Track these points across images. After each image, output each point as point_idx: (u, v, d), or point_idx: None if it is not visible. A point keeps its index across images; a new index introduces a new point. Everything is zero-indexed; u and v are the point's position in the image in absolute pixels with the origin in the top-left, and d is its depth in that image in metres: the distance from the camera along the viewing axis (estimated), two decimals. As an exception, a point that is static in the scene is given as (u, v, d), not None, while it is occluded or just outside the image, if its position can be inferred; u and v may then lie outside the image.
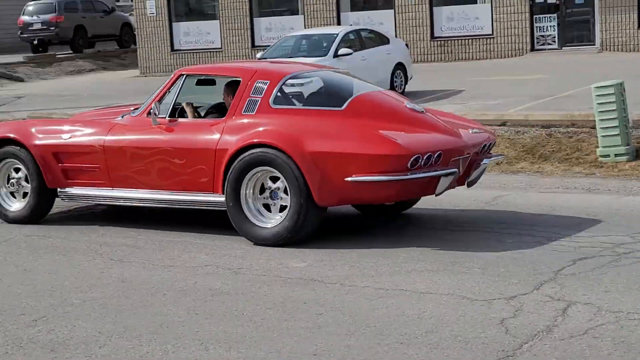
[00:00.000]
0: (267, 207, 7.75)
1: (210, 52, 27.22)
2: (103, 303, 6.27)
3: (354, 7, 26.19)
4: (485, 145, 8.19)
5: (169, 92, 8.44)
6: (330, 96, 8.48)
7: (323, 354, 5.11)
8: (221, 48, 27.07)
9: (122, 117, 8.78)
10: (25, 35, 32.85)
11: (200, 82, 8.90)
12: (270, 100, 7.90)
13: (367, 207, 8.81)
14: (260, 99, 7.90)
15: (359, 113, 7.72)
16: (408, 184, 7.37)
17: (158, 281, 6.79)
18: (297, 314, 5.86)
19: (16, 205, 9.08)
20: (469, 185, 8.24)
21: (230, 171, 7.68)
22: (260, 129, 7.68)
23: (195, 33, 27.75)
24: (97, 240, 8.21)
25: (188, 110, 8.52)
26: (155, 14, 27.68)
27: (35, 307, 6.22)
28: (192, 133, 8.12)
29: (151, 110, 8.26)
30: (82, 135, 8.74)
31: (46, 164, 8.75)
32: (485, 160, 8.16)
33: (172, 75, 8.61)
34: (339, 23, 25.08)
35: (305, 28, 24.19)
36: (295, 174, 7.41)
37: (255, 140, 7.61)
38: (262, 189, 7.73)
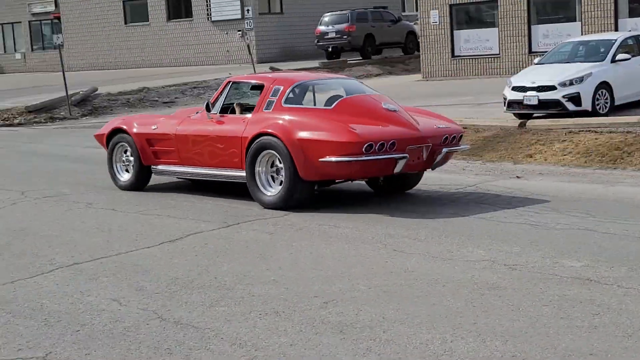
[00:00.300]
0: (274, 179, 9.71)
1: (488, 58, 26.93)
2: (387, 290, 6.40)
3: (632, 13, 24.82)
4: (447, 137, 9.70)
5: (221, 95, 10.56)
6: (327, 98, 10.22)
7: (600, 354, 4.89)
8: (499, 54, 26.68)
9: (197, 113, 10.87)
10: (321, 43, 34.31)
11: (252, 88, 10.93)
12: (282, 100, 9.89)
13: (377, 186, 10.56)
14: (275, 100, 9.91)
15: (343, 111, 9.57)
16: (366, 164, 9.12)
17: (437, 272, 6.82)
18: (572, 312, 5.66)
19: (125, 177, 11.47)
20: (433, 168, 9.91)
21: (248, 153, 9.71)
22: (270, 122, 9.64)
23: (475, 40, 27.56)
24: (382, 231, 8.37)
25: (237, 108, 10.45)
26: (438, 23, 27.79)
27: (326, 291, 6.45)
28: (229, 125, 10.21)
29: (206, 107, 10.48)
30: (163, 127, 11.00)
31: (142, 147, 11.12)
32: (444, 149, 9.64)
33: (223, 82, 10.75)
34: (616, 29, 23.88)
35: (582, 34, 23.27)
36: (287, 156, 9.33)
37: (263, 130, 9.58)
38: (272, 165, 9.66)
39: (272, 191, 9.69)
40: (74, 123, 22.58)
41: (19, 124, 22.75)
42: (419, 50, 29.96)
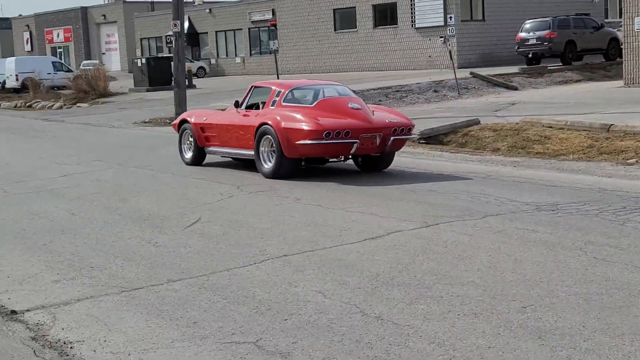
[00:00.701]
0: (272, 157, 12.43)
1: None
2: (587, 298, 6.04)
3: None
4: (395, 128, 12.27)
5: (247, 95, 13.68)
6: (313, 98, 12.82)
7: None
8: None
9: (237, 109, 13.68)
10: (521, 49, 33.39)
11: (267, 91, 13.57)
12: (282, 100, 12.79)
13: (359, 165, 13.17)
14: (277, 99, 12.81)
15: (320, 108, 12.33)
16: (327, 146, 11.90)
17: (640, 284, 6.37)
18: None
19: (188, 155, 14.52)
20: (386, 151, 12.51)
21: (255, 137, 12.60)
22: (269, 115, 12.47)
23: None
24: (582, 238, 7.94)
25: (261, 105, 13.24)
26: (643, 29, 26.25)
27: (524, 295, 6.18)
28: (248, 118, 13.16)
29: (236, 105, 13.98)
30: (210, 118, 14.20)
31: (197, 132, 14.22)
32: (392, 137, 12.19)
33: (249, 86, 13.96)
34: None
35: None
36: (276, 139, 12.13)
37: (264, 121, 12.43)
38: (272, 146, 12.37)
39: (269, 165, 12.50)
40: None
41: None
42: (621, 57, 28.44)
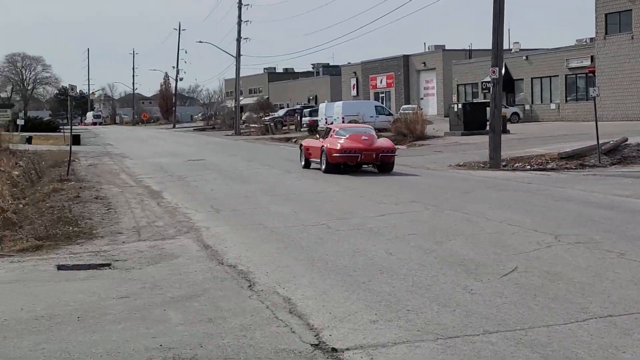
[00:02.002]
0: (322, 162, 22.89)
1: None
2: None
3: None
4: (383, 150, 21.97)
5: (325, 132, 24.32)
6: (346, 133, 22.67)
7: None
8: None
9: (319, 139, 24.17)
10: None
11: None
12: (334, 134, 22.80)
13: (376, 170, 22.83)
14: (332, 134, 22.87)
15: (348, 139, 22.10)
16: (344, 157, 21.72)
17: None
18: None
19: (302, 163, 24.72)
20: (379, 162, 22.11)
21: (320, 152, 22.81)
22: (326, 141, 22.57)
23: None
24: None
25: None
26: None
27: None
28: (321, 143, 22.82)
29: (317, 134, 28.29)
30: (308, 143, 24.81)
31: (304, 151, 24.71)
32: (380, 154, 21.79)
33: (326, 128, 26.24)
34: None
35: None
36: (325, 153, 22.21)
37: (322, 144, 22.60)
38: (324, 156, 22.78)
39: (323, 166, 22.44)
40: (603, 171, 21.81)
41: (551, 169, 22.69)
42: None
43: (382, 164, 22.09)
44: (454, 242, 10.92)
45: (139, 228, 13.37)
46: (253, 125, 65.12)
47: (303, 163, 24.57)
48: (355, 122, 42.82)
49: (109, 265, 10.17)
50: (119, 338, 6.76)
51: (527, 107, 54.62)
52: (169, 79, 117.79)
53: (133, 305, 7.88)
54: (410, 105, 61.79)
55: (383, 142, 22.82)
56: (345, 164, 22.01)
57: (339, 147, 21.73)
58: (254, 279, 9.02)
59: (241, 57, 68.03)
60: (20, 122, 58.15)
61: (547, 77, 53.22)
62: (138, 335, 6.82)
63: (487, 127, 26.54)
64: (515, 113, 53.35)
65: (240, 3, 67.15)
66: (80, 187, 19.76)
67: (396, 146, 36.18)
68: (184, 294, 8.36)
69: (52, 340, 6.74)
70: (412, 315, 7.22)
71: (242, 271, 9.50)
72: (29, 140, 46.19)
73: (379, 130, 43.67)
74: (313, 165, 23.75)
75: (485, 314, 7.18)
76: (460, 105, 41.42)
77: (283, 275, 9.20)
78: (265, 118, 66.81)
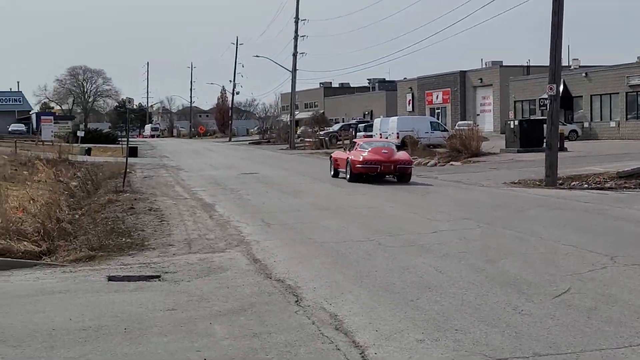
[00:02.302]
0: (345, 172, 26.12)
1: None
2: None
3: None
4: (401, 161, 24.85)
5: (352, 144, 28.55)
6: (369, 147, 25.64)
7: None
8: None
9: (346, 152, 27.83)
10: None
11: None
12: (358, 147, 25.96)
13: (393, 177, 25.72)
14: (356, 147, 26.27)
15: (370, 152, 24.99)
16: (366, 167, 24.63)
17: None
18: None
19: (332, 173, 27.66)
20: (398, 172, 24.92)
21: (346, 163, 25.75)
22: (350, 154, 25.83)
23: None
24: None
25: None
26: None
27: None
28: (347, 155, 26.20)
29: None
30: (337, 155, 27.85)
31: (333, 162, 27.76)
32: (399, 165, 24.70)
33: (351, 142, 31.98)
34: None
35: None
36: (349, 164, 25.26)
37: (348, 156, 25.74)
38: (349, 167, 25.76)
39: (347, 176, 25.25)
40: (664, 191, 21.24)
41: (609, 188, 22.18)
42: None
43: (400, 174, 25.00)
44: (506, 261, 10.71)
45: (190, 240, 13.45)
46: (308, 139, 65.33)
47: (332, 172, 27.47)
48: (411, 137, 42.65)
49: (158, 277, 10.23)
50: (164, 351, 6.76)
51: (586, 124, 53.69)
52: (225, 93, 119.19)
53: (179, 318, 7.89)
54: (466, 122, 61.26)
55: (401, 155, 25.86)
56: (367, 174, 24.81)
57: (361, 159, 24.79)
58: (301, 294, 8.97)
59: (297, 71, 68.47)
60: (80, 133, 59.36)
61: (607, 94, 52.26)
62: (183, 349, 6.82)
63: (544, 145, 26.12)
64: (573, 130, 52.48)
65: (297, 18, 67.59)
66: (135, 199, 20.00)
67: (451, 162, 36.13)
68: (230, 307, 8.35)
69: (98, 351, 6.78)
70: (459, 335, 7.08)
71: (290, 286, 9.46)
72: (88, 152, 47.04)
73: (434, 146, 43.51)
74: (340, 175, 26.72)
75: (535, 336, 7.00)
76: (516, 122, 40.89)
77: (330, 290, 9.13)
78: (320, 132, 66.98)
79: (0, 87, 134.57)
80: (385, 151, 25.04)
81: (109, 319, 7.86)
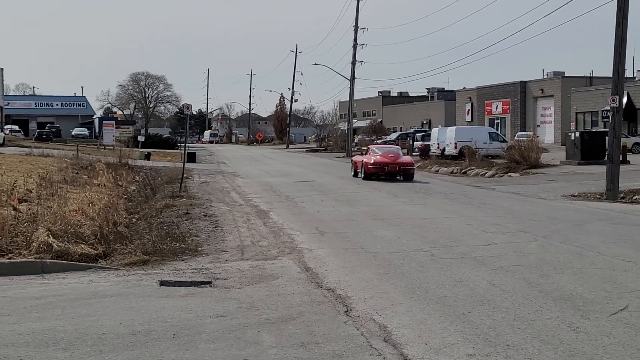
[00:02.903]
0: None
1: None
2: None
3: None
4: (405, 164, 31.24)
5: (366, 149, 35.97)
6: (380, 151, 32.47)
7: None
8: None
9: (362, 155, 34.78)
10: None
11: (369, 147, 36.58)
12: (371, 152, 32.55)
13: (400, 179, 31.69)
14: (369, 151, 33.14)
15: (381, 155, 31.48)
16: (375, 168, 30.87)
17: None
18: None
19: (352, 174, 34.16)
20: (401, 173, 31.21)
21: (361, 165, 32.55)
22: (365, 157, 32.62)
23: None
24: None
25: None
26: None
27: None
28: (363, 157, 32.99)
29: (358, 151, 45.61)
30: (355, 159, 34.58)
31: (353, 164, 34.54)
32: (402, 167, 31.04)
33: (368, 147, 37.34)
34: None
35: None
36: (363, 165, 31.82)
37: (363, 159, 32.35)
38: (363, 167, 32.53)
39: (361, 175, 31.65)
40: None
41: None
42: None
43: (404, 174, 31.34)
44: (562, 276, 10.47)
45: (243, 247, 13.49)
46: (365, 148, 65.23)
47: (352, 173, 34.34)
48: (469, 147, 42.24)
49: (209, 283, 10.26)
50: (211, 358, 6.76)
51: (651, 137, 52.43)
52: (284, 100, 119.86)
53: (228, 325, 7.89)
54: (525, 132, 60.37)
55: (405, 158, 32.73)
56: (377, 174, 31.17)
57: (372, 161, 31.32)
58: (351, 304, 8.90)
59: (355, 79, 68.45)
60: (140, 138, 60.33)
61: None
62: (230, 356, 6.81)
63: (606, 157, 25.58)
64: (637, 143, 51.28)
65: (356, 27, 67.65)
66: (191, 204, 20.17)
67: (509, 174, 35.64)
68: (279, 316, 8.32)
69: (146, 356, 6.81)
70: (511, 352, 6.92)
71: (340, 296, 9.40)
72: (147, 157, 47.74)
73: (492, 157, 42.99)
74: (359, 175, 32.77)
75: (590, 355, 6.81)
76: (577, 134, 40.16)
77: (381, 301, 9.04)
78: (378, 141, 66.81)
79: (64, 92, 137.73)
80: (392, 155, 31.79)
81: (158, 324, 7.90)
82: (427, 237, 14.38)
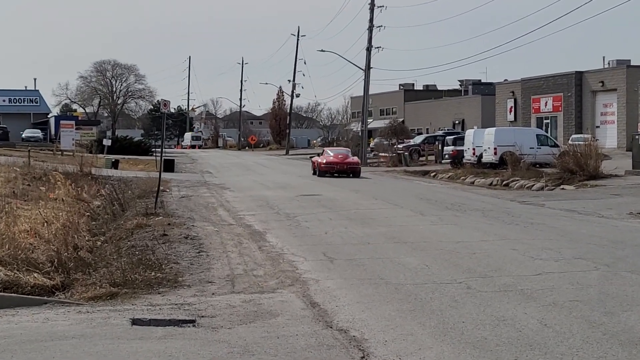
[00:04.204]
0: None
1: None
2: None
3: None
4: (351, 163, 46.99)
5: (321, 151, 54.56)
6: (333, 153, 49.39)
7: None
8: None
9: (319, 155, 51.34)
10: None
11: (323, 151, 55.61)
12: (325, 154, 49.23)
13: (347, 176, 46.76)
14: (324, 153, 50.17)
15: (333, 156, 47.85)
16: (328, 168, 46.65)
17: None
18: None
19: (311, 172, 50.08)
20: (348, 171, 46.35)
21: (315, 165, 49.59)
22: (319, 158, 49.19)
23: None
24: None
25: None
26: None
27: None
28: (317, 159, 49.84)
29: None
30: (315, 158, 50.97)
31: (312, 164, 50.89)
32: (348, 166, 46.52)
33: (322, 150, 57.71)
34: None
35: None
36: (318, 165, 47.90)
37: (317, 160, 49.41)
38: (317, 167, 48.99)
39: (315, 174, 47.22)
40: None
41: None
42: None
43: (351, 172, 45.52)
44: (630, 314, 10.47)
45: (233, 277, 13.52)
46: (383, 154, 65.41)
47: (312, 172, 48.08)
48: (512, 154, 42.28)
49: (193, 321, 10.29)
50: (196, 415, 6.75)
51: None
52: (283, 95, 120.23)
53: (217, 375, 7.89)
54: (582, 135, 60.32)
55: (352, 159, 47.70)
56: (328, 172, 45.22)
57: (324, 161, 46.07)
58: (369, 349, 8.91)
59: (371, 69, 68.61)
60: (106, 142, 60.61)
61: None
62: (219, 413, 6.80)
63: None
64: None
65: (372, 4, 67.77)
66: (169, 224, 20.25)
67: (562, 186, 35.69)
68: (280, 363, 8.33)
69: (116, 412, 6.81)
70: (568, 409, 6.91)
71: (355, 338, 9.41)
72: (114, 164, 47.99)
73: (540, 165, 43.09)
74: (316, 173, 46.52)
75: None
76: (647, 137, 40.16)
77: (405, 345, 9.06)
78: (399, 146, 66.96)
79: (13, 86, 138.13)
80: (341, 156, 47.13)
81: (130, 372, 7.91)
82: (462, 265, 14.39)
